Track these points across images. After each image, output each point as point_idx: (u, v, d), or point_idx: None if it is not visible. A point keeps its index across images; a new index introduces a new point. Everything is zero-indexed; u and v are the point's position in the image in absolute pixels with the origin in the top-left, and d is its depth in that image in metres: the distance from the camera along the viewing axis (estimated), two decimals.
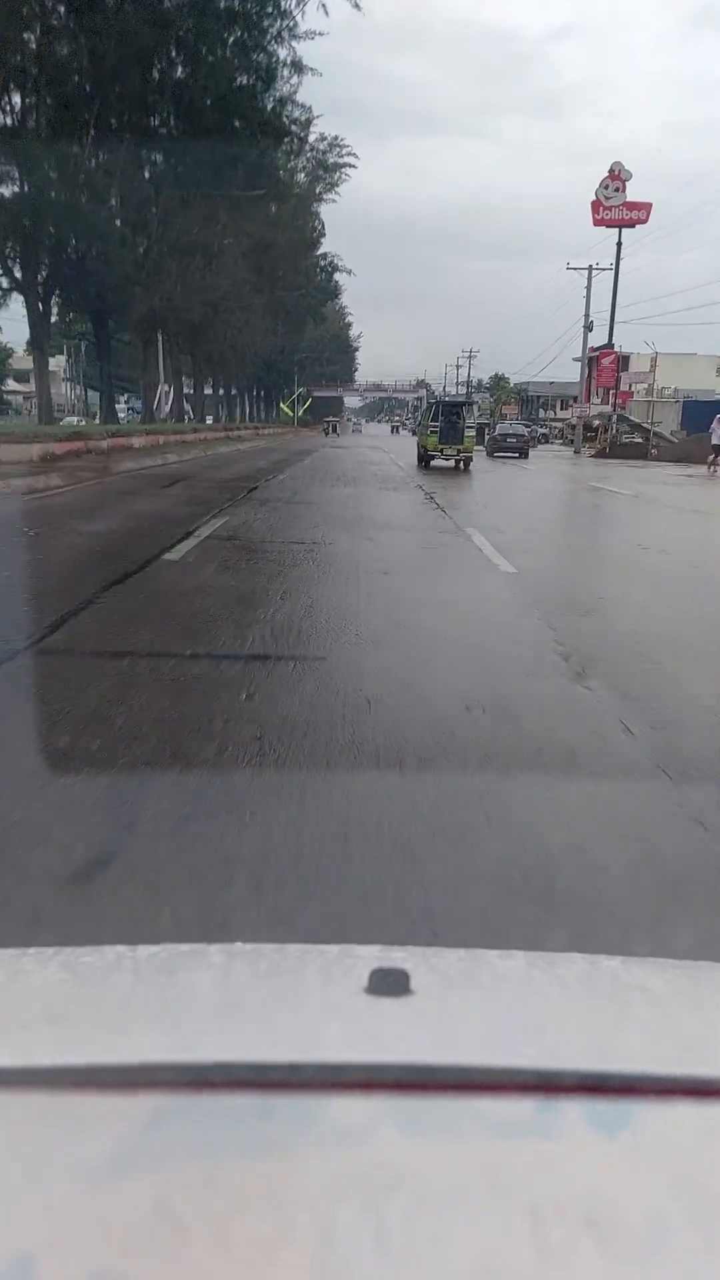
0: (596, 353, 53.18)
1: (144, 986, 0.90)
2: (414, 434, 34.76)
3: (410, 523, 12.26)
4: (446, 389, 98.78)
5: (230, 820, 2.94)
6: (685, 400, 51.19)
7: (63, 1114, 0.63)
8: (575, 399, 75.64)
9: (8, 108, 25.83)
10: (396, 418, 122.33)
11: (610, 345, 55.72)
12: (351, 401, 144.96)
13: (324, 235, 67.81)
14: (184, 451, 27.86)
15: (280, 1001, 0.86)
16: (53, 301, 31.50)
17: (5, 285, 27.78)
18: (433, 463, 26.38)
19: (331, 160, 61.47)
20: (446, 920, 2.37)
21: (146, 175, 33.37)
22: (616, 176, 60.76)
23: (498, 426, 49.46)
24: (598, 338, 53.40)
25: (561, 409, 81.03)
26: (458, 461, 26.42)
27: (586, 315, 51.68)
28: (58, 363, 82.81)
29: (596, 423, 51.00)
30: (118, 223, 30.49)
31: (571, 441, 56.20)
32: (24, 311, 29.03)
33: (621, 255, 57.60)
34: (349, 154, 63.30)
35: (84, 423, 41.97)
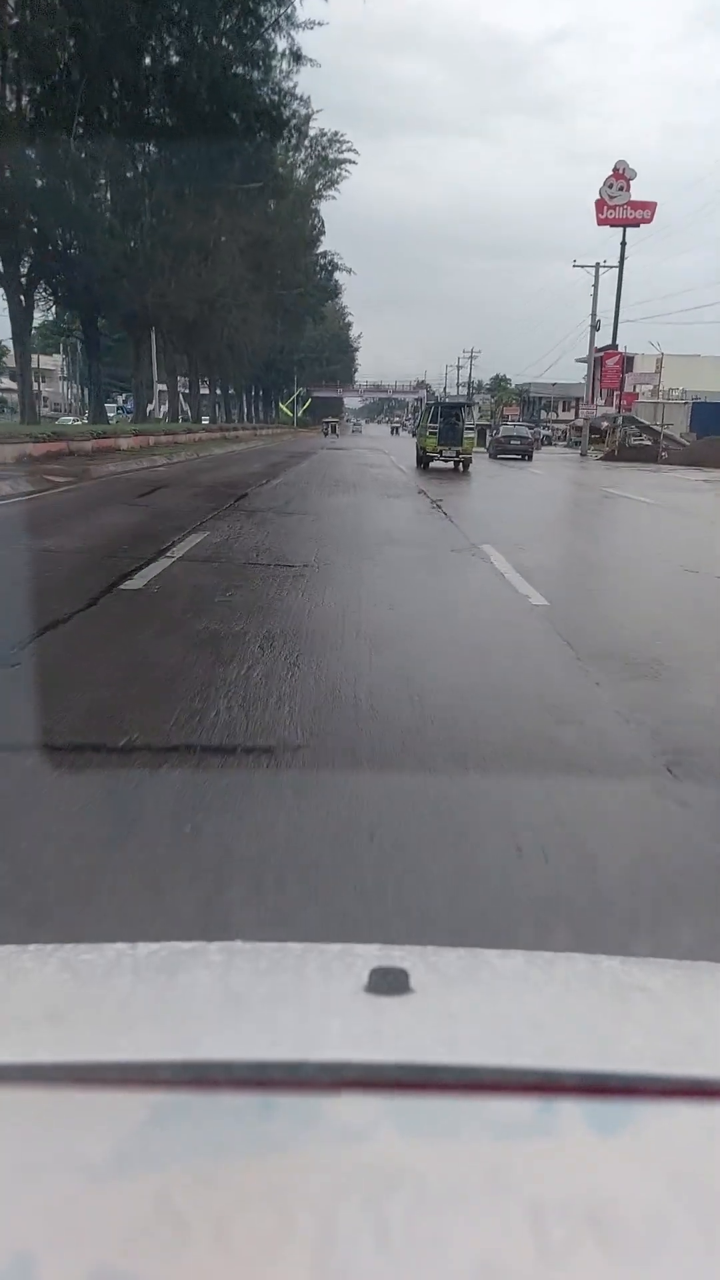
0: (600, 353, 51.95)
1: (144, 984, 0.89)
2: (414, 435, 33.92)
3: (417, 537, 10.83)
4: (447, 390, 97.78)
5: None
6: (694, 401, 49.77)
7: (62, 1111, 0.63)
8: (578, 400, 74.91)
9: None
10: (396, 418, 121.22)
11: (614, 346, 54.63)
12: (351, 402, 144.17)
13: (323, 233, 66.74)
14: (174, 453, 26.44)
15: (280, 1000, 0.86)
16: (36, 295, 29.99)
17: None
18: (431, 464, 26.02)
19: (331, 156, 60.34)
20: None
21: (138, 165, 31.99)
22: (620, 175, 59.96)
23: (501, 428, 48.37)
24: (601, 339, 52.21)
25: (564, 410, 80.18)
26: (457, 463, 26.07)
27: (593, 314, 50.35)
28: (54, 361, 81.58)
29: (605, 425, 49.64)
30: (106, 214, 29.03)
31: (576, 444, 54.95)
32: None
33: (624, 255, 56.77)
34: (349, 149, 62.28)
35: (77, 422, 40.54)
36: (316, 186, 62.80)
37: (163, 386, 48.79)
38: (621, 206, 58.72)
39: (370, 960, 0.83)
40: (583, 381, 71.85)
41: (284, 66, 35.04)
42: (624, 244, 57.39)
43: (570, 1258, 0.52)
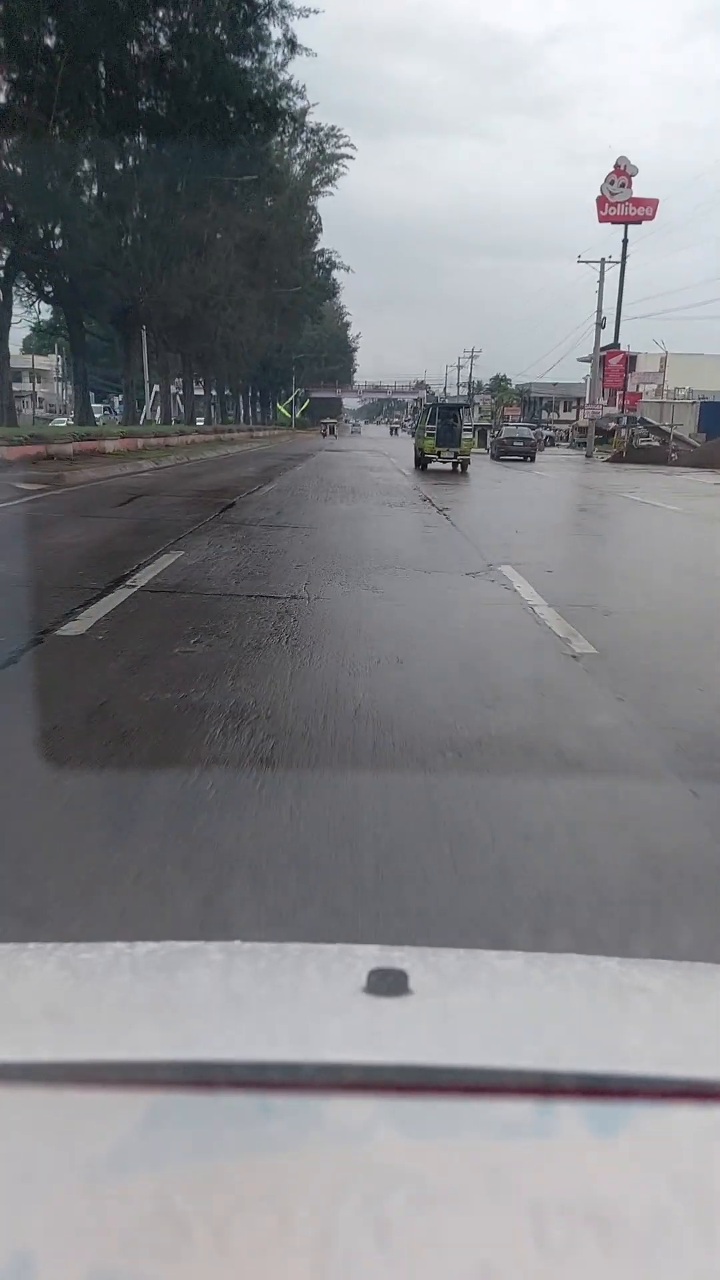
0: (603, 353, 50.64)
1: (143, 984, 0.89)
2: (413, 435, 32.93)
3: (425, 557, 9.39)
4: (446, 390, 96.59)
5: None
6: (702, 401, 48.29)
7: (61, 1111, 0.63)
8: (579, 401, 73.78)
9: None
10: (396, 419, 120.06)
11: (616, 345, 53.40)
12: (350, 403, 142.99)
13: (321, 230, 65.35)
14: (163, 457, 25.00)
15: (279, 1000, 0.86)
16: (16, 290, 28.49)
17: None
18: (430, 465, 25.90)
19: (329, 151, 58.90)
20: None
21: (125, 154, 30.52)
22: (622, 172, 59.05)
23: (503, 429, 47.13)
24: (603, 337, 50.92)
25: (565, 411, 79.10)
26: (455, 465, 25.90)
27: (599, 311, 49.00)
28: (49, 361, 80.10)
29: (613, 425, 48.26)
30: (91, 204, 27.56)
31: (580, 444, 53.57)
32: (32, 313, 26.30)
33: (627, 253, 55.48)
34: (346, 144, 60.85)
35: (65, 424, 39.06)
36: (314, 182, 61.49)
37: (157, 387, 47.37)
38: (623, 204, 57.80)
39: (369, 961, 0.83)
40: (583, 381, 70.92)
41: (279, 58, 33.60)
42: (625, 241, 56.31)
43: (569, 1258, 0.52)
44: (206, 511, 12.39)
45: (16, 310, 33.00)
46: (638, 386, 57.19)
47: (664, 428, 41.87)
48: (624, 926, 2.41)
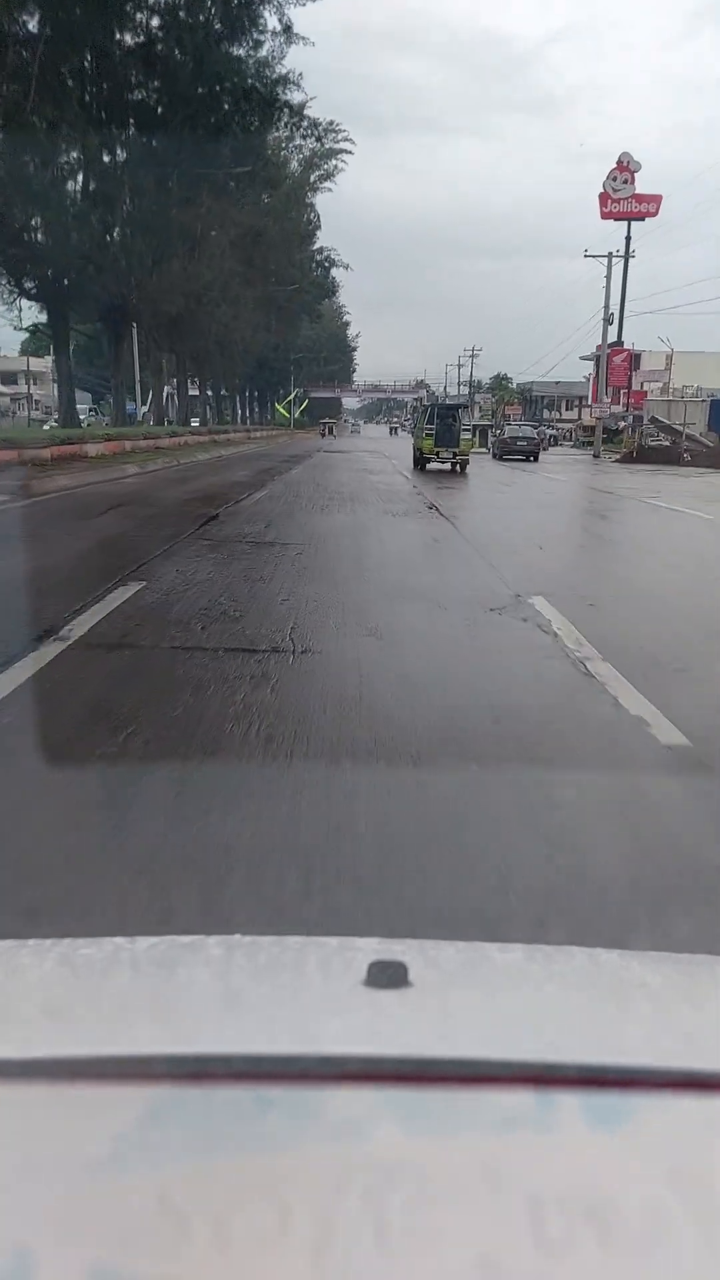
0: (607, 350, 49.24)
1: (142, 979, 0.88)
2: (413, 435, 31.91)
3: (437, 585, 7.82)
4: (447, 389, 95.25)
5: None
6: (713, 399, 46.64)
7: (61, 1106, 0.63)
8: (581, 399, 72.38)
9: None
10: (395, 419, 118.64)
11: (619, 343, 52.11)
12: (350, 402, 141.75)
13: (320, 228, 63.88)
14: (150, 461, 23.46)
15: (279, 994, 0.85)
16: None
17: None
18: (428, 466, 25.91)
19: (327, 145, 57.35)
20: None
21: (112, 143, 28.97)
22: (625, 168, 58.12)
23: (506, 429, 45.76)
24: (609, 335, 49.45)
25: (567, 409, 77.80)
26: (454, 465, 25.82)
27: (606, 307, 47.42)
28: (46, 363, 78.50)
29: (622, 424, 46.73)
30: (76, 194, 25.98)
31: (585, 444, 52.08)
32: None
33: (630, 250, 54.11)
34: (345, 138, 59.32)
35: (50, 426, 37.51)
36: (312, 178, 60.03)
37: (166, 388, 45.88)
38: (626, 200, 56.96)
39: (369, 954, 0.82)
40: (584, 380, 69.55)
41: (274, 47, 31.99)
42: (629, 238, 55.07)
43: (569, 1250, 0.52)
44: (185, 525, 10.83)
45: (4, 310, 31.59)
46: (641, 385, 55.80)
47: (676, 427, 40.28)
48: None
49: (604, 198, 57.14)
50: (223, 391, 66.01)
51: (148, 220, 29.75)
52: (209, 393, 60.57)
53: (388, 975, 0.77)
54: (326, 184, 61.65)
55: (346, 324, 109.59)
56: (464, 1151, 0.58)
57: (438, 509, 14.79)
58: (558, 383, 77.32)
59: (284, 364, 77.42)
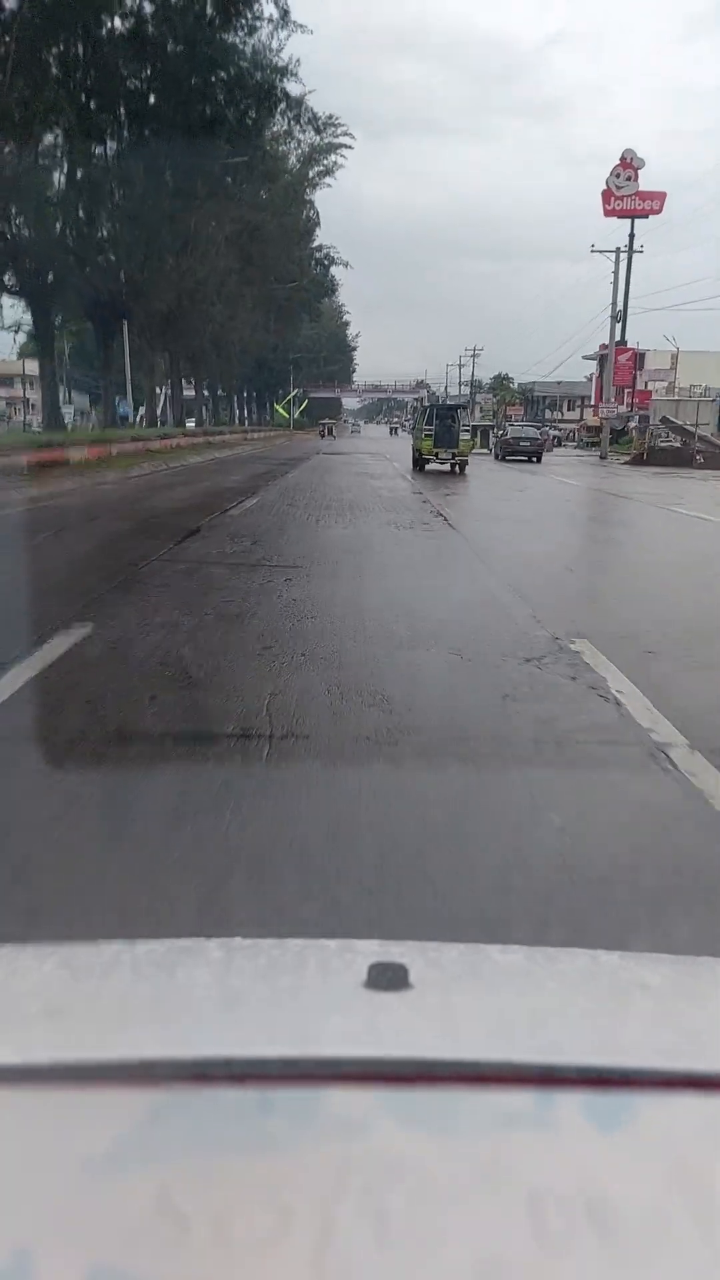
0: (614, 349, 47.96)
1: (142, 982, 0.88)
2: (413, 436, 30.86)
3: (456, 624, 6.36)
4: (447, 389, 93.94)
5: None
6: None
7: (61, 1110, 0.62)
8: (584, 399, 71.05)
9: None
10: (395, 419, 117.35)
11: (623, 342, 50.87)
12: (350, 403, 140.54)
13: (319, 225, 62.42)
14: (135, 465, 22.04)
15: (279, 996, 0.85)
16: None
17: None
18: (427, 466, 25.90)
19: (326, 140, 55.88)
20: None
21: (102, 133, 27.52)
22: (628, 165, 57.09)
23: (509, 429, 44.46)
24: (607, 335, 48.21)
25: (569, 410, 76.63)
26: (453, 465, 25.77)
27: (614, 304, 46.07)
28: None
29: (630, 425, 45.29)
30: (59, 183, 24.55)
31: (589, 444, 50.69)
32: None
33: (633, 248, 52.79)
34: (344, 133, 57.84)
35: (35, 430, 36.06)
36: (311, 174, 58.60)
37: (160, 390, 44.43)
38: (629, 197, 56.03)
39: (369, 956, 0.82)
40: (586, 380, 68.26)
41: (269, 34, 30.51)
42: (632, 236, 53.86)
43: (569, 1250, 0.52)
44: (158, 544, 9.39)
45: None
46: (646, 384, 54.50)
47: (688, 428, 38.79)
48: None
49: (607, 195, 56.04)
50: (220, 392, 64.56)
51: (137, 212, 28.33)
52: (205, 393, 59.10)
53: (388, 977, 0.76)
54: (326, 180, 60.24)
55: (346, 324, 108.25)
56: (465, 1152, 0.58)
57: (446, 519, 13.37)
58: (559, 383, 76.23)
59: (283, 364, 76.01)
